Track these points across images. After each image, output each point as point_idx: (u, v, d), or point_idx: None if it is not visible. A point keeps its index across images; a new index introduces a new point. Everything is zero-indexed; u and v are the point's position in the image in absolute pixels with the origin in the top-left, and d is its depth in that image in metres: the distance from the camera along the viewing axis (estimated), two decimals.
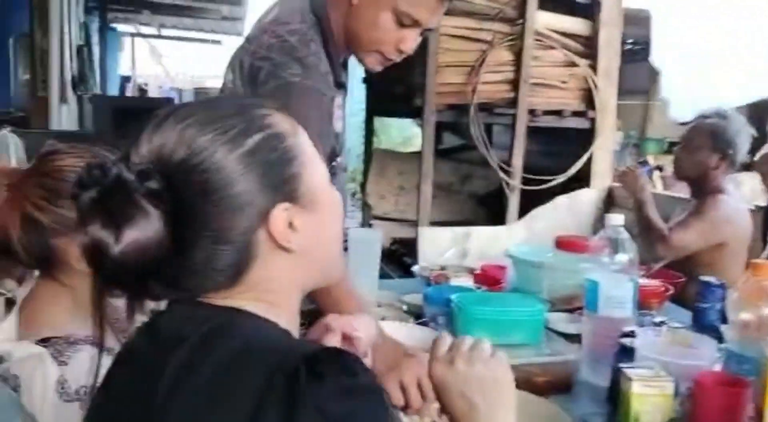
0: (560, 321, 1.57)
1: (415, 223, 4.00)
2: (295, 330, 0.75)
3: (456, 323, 1.42)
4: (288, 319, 0.74)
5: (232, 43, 12.85)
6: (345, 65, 1.56)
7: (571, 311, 1.64)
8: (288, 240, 0.70)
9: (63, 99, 4.70)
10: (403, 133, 7.53)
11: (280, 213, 0.69)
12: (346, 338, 0.90)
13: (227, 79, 1.49)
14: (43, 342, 1.05)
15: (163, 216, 0.64)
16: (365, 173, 4.95)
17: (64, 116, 4.66)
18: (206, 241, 0.67)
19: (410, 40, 1.43)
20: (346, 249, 2.47)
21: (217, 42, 11.53)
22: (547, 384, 1.28)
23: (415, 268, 2.06)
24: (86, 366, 1.03)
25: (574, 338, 1.47)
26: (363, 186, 5.10)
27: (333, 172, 1.54)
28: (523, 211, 3.64)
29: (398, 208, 5.02)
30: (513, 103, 3.49)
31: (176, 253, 0.66)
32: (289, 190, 0.70)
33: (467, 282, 1.68)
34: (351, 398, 0.61)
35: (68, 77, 4.82)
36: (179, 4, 8.78)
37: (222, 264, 0.68)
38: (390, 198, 4.92)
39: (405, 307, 1.70)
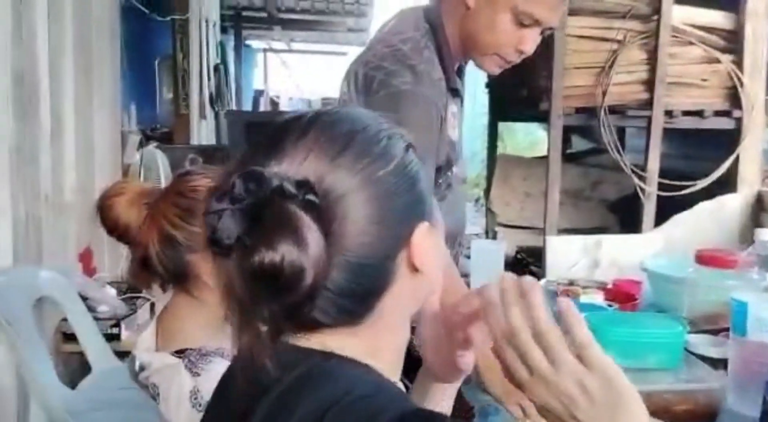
0: (702, 343, 1.45)
1: (541, 231, 3.87)
2: (396, 369, 0.70)
3: None
4: (390, 359, 0.68)
5: (356, 54, 13.16)
6: (460, 72, 1.55)
7: (715, 333, 1.51)
8: (422, 262, 0.65)
9: (202, 115, 5.02)
10: (529, 137, 7.34)
11: (421, 234, 0.65)
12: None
13: (342, 91, 1.50)
14: (179, 353, 1.10)
15: (321, 233, 0.57)
16: (489, 179, 4.87)
17: (203, 131, 4.97)
18: (353, 262, 0.61)
19: (530, 41, 1.39)
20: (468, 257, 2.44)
21: (343, 53, 11.86)
22: (687, 414, 1.18)
23: (541, 282, 1.98)
24: (218, 378, 1.08)
25: (719, 363, 1.35)
26: (487, 192, 5.03)
27: (449, 182, 1.51)
28: (659, 218, 3.42)
29: (524, 215, 4.89)
30: (648, 104, 3.29)
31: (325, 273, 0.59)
32: (424, 208, 0.67)
33: (598, 298, 1.59)
34: None
35: (206, 95, 5.14)
36: (308, 19, 9.12)
37: (360, 289, 0.62)
38: (515, 204, 4.81)
39: None
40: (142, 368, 1.19)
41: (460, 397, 1.70)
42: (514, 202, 4.75)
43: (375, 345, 0.66)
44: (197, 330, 1.11)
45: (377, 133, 0.65)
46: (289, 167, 0.60)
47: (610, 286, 1.84)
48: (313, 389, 0.60)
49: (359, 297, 0.63)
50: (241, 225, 0.56)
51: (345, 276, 0.60)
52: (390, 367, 0.68)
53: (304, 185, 0.58)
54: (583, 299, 1.60)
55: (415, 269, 0.65)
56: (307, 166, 0.60)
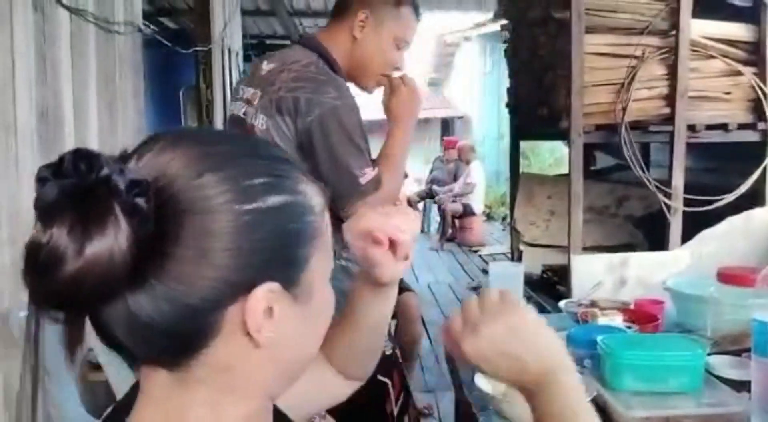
0: (725, 366, 1.41)
1: (567, 249, 3.83)
2: None
3: (603, 368, 1.32)
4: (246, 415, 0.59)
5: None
6: None
7: (739, 353, 1.47)
8: (258, 328, 0.55)
9: None
10: (554, 154, 7.29)
11: (265, 294, 0.55)
12: (391, 243, 0.80)
13: (260, 130, 1.58)
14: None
15: (134, 242, 0.50)
16: (512, 198, 4.85)
17: None
18: (168, 292, 0.52)
19: (402, 58, 1.73)
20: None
21: None
22: None
23: (561, 304, 1.96)
24: None
25: (742, 386, 1.31)
26: (511, 211, 5.00)
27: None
28: (686, 234, 3.36)
29: (549, 233, 4.84)
30: (670, 119, 3.26)
31: (129, 292, 0.52)
32: (289, 272, 0.57)
33: (617, 320, 1.56)
34: None
35: None
36: None
37: (175, 327, 0.53)
38: (540, 223, 4.77)
39: None
40: None
41: (465, 401, 1.70)
42: (539, 220, 4.71)
43: (231, 391, 0.58)
44: None
45: (262, 168, 0.57)
46: (141, 169, 0.53)
47: (631, 306, 1.81)
48: None
49: (168, 337, 0.54)
50: (52, 200, 0.49)
51: (154, 305, 0.52)
52: None
53: (137, 186, 0.50)
54: (602, 321, 1.57)
55: (248, 334, 0.55)
56: (159, 172, 0.53)
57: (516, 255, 4.74)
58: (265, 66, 1.67)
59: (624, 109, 3.25)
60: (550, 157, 7.25)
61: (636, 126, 3.29)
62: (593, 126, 3.33)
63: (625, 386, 1.28)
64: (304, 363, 0.64)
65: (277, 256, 0.56)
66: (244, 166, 0.56)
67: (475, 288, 6.26)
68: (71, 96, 2.51)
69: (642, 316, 1.71)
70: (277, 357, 0.59)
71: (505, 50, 4.45)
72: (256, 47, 9.03)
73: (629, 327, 1.54)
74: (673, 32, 3.21)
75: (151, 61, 3.75)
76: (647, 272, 3.24)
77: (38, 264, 0.49)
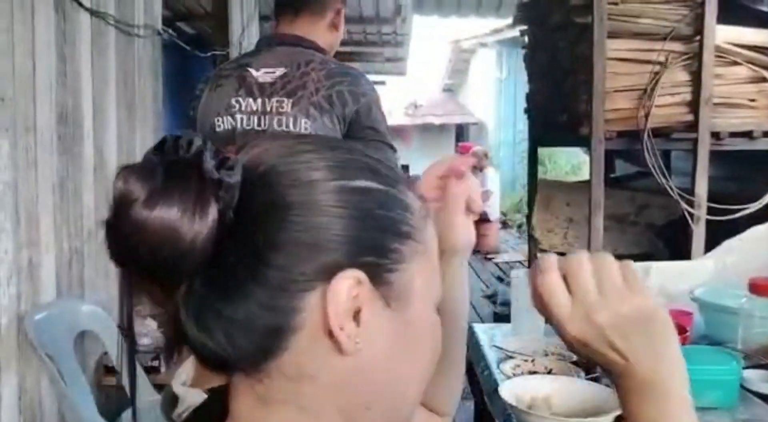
0: (760, 380, 1.36)
1: None
2: None
3: None
4: None
5: (396, 83, 13.30)
6: None
7: None
8: (342, 324, 0.48)
9: None
10: (571, 161, 7.24)
11: (348, 282, 0.48)
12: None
13: (313, 126, 1.69)
14: (211, 391, 1.08)
15: (218, 220, 0.47)
16: (530, 205, 4.80)
17: None
18: (248, 276, 0.48)
19: None
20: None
21: (382, 83, 11.97)
22: None
23: None
24: None
25: None
26: (528, 218, 4.94)
27: None
28: (709, 243, 3.30)
29: (567, 241, 4.79)
30: (693, 126, 3.21)
31: (208, 280, 0.49)
32: (377, 263, 0.50)
33: None
34: None
35: None
36: (346, 50, 9.23)
37: (252, 317, 0.48)
38: (558, 231, 4.72)
39: (575, 357, 1.57)
40: (176, 401, 1.17)
41: (484, 411, 1.67)
42: (557, 228, 4.66)
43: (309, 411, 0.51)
44: None
45: (362, 159, 0.54)
46: (240, 152, 0.52)
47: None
48: None
49: (250, 329, 0.48)
50: (151, 178, 0.47)
51: (236, 290, 0.48)
52: None
53: (225, 162, 0.48)
54: None
55: (331, 336, 0.48)
56: (255, 158, 0.51)
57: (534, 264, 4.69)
58: (262, 74, 1.71)
59: (647, 116, 3.20)
60: (567, 163, 7.19)
61: (658, 133, 3.24)
62: (615, 132, 3.28)
63: None
64: (401, 400, 0.54)
65: (362, 240, 0.50)
66: (341, 152, 0.54)
67: (489, 296, 6.21)
68: (90, 97, 2.51)
69: None
70: (365, 376, 0.51)
71: (525, 56, 4.41)
72: None
73: None
74: (697, 38, 3.16)
75: (169, 65, 3.75)
76: (670, 281, 3.18)
77: (118, 213, 0.47)
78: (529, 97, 4.41)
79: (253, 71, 1.71)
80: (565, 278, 0.60)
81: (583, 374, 1.45)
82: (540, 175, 5.01)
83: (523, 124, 4.76)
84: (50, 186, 2.21)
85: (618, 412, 1.21)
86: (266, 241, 0.48)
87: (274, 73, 1.70)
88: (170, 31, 3.57)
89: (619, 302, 0.59)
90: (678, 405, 0.62)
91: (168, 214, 0.46)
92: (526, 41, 4.40)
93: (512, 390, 1.28)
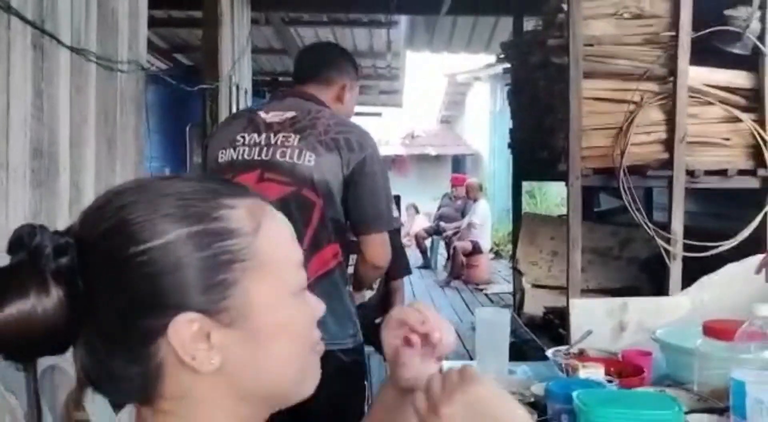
0: None
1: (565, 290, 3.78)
2: None
3: None
4: None
5: (393, 114, 13.41)
6: None
7: (722, 412, 1.42)
8: (192, 355, 0.59)
9: None
10: (562, 194, 7.27)
11: (183, 325, 0.58)
12: (425, 341, 0.80)
13: (306, 166, 1.79)
14: None
15: (64, 300, 0.58)
16: (515, 238, 4.82)
17: None
18: (101, 342, 0.60)
19: None
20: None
21: (378, 114, 12.08)
22: None
23: (548, 353, 1.92)
24: None
25: None
26: (514, 251, 4.96)
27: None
28: (691, 277, 3.31)
29: (551, 275, 4.80)
30: (668, 163, 3.24)
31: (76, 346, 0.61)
32: (208, 299, 0.59)
33: (599, 373, 1.53)
34: None
35: None
36: None
37: (121, 370, 0.60)
38: (542, 264, 4.74)
39: (533, 399, 1.58)
40: None
41: None
42: (541, 261, 4.68)
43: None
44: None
45: (170, 203, 0.61)
46: (74, 227, 0.63)
47: (617, 358, 1.77)
48: None
49: (114, 377, 0.61)
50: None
51: (87, 353, 0.60)
52: None
53: (61, 248, 0.59)
54: (583, 374, 1.53)
55: (188, 365, 0.59)
56: (81, 229, 0.61)
57: (519, 296, 4.69)
58: (271, 116, 1.86)
59: (622, 153, 3.24)
60: (557, 196, 7.22)
61: (635, 170, 3.28)
62: (591, 169, 3.32)
63: None
64: (277, 386, 0.65)
65: (186, 287, 0.59)
66: (146, 207, 0.60)
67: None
68: (68, 132, 2.54)
69: (628, 368, 1.67)
70: (235, 383, 0.62)
71: (508, 93, 4.48)
72: (269, 84, 9.17)
73: (610, 381, 1.50)
74: (671, 78, 3.22)
75: (158, 98, 3.81)
76: (647, 317, 3.19)
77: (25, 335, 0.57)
78: (513, 132, 4.47)
79: (262, 114, 1.86)
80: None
81: (536, 415, 1.47)
82: (530, 207, 5.06)
83: (507, 158, 4.87)
84: (22, 218, 2.23)
85: None
86: (106, 314, 0.59)
87: (283, 115, 1.84)
88: (163, 62, 3.62)
89: (452, 394, 0.69)
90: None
91: (16, 313, 0.56)
92: (509, 79, 4.48)
93: None
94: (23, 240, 0.59)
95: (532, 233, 4.69)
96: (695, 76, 3.20)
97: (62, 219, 2.52)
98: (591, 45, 3.21)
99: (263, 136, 1.83)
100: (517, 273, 4.80)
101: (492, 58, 8.45)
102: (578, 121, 3.20)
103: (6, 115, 2.12)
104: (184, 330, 0.58)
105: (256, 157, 1.81)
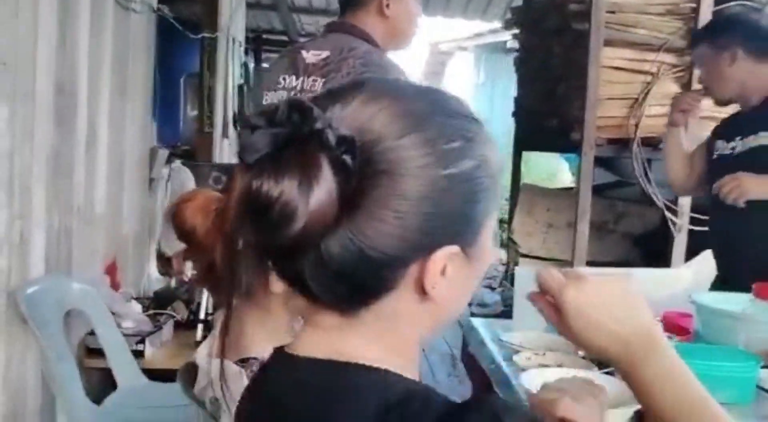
0: None
1: (564, 263, 3.82)
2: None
3: None
4: (412, 372, 0.62)
5: None
6: None
7: None
8: (434, 285, 0.58)
9: (225, 134, 5.01)
10: (548, 169, 7.32)
11: (445, 255, 0.58)
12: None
13: None
14: (242, 362, 1.07)
15: (338, 196, 0.54)
16: (511, 209, 4.83)
17: (225, 150, 4.96)
18: (358, 244, 0.55)
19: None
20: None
21: None
22: None
23: None
24: None
25: None
26: (509, 222, 4.98)
27: None
28: (688, 253, 3.37)
29: (546, 246, 4.83)
30: None
31: (323, 239, 0.56)
32: (469, 235, 0.60)
33: None
34: None
35: (230, 114, 5.14)
36: None
37: (358, 276, 0.57)
38: (538, 235, 4.76)
39: (582, 353, 1.58)
40: (196, 369, 1.15)
41: (479, 370, 1.68)
42: (537, 233, 4.70)
43: (396, 350, 0.61)
44: (261, 338, 1.07)
45: (457, 130, 0.59)
46: (345, 119, 0.56)
47: (659, 318, 1.79)
48: (342, 406, 0.57)
49: (352, 286, 0.58)
50: (266, 148, 0.53)
51: (343, 254, 0.55)
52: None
53: (346, 142, 0.53)
54: None
55: (423, 291, 0.58)
56: (363, 126, 0.56)
57: (512, 267, 4.72)
58: (311, 55, 1.78)
59: (637, 125, 3.25)
60: (544, 169, 7.27)
61: (647, 142, 3.29)
62: (604, 140, 3.33)
63: None
64: (453, 317, 0.66)
65: (461, 220, 0.59)
66: (442, 126, 0.58)
67: None
68: (86, 70, 2.45)
69: (674, 328, 1.69)
70: (439, 311, 0.62)
71: (515, 59, 4.44)
72: (253, 41, 8.96)
73: (669, 337, 1.51)
74: (689, 51, 3.22)
75: (156, 46, 3.68)
76: (651, 288, 3.25)
77: (269, 219, 0.53)
78: (517, 101, 4.44)
79: (304, 53, 1.80)
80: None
81: (596, 368, 1.47)
82: (522, 181, 5.05)
83: (498, 130, 4.83)
84: (44, 158, 2.14)
85: (635, 407, 1.23)
86: (372, 221, 0.55)
87: (320, 55, 1.76)
88: (166, 10, 3.50)
89: (601, 275, 0.70)
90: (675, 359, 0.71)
91: (317, 212, 0.53)
92: (517, 45, 4.44)
93: (533, 381, 1.28)
94: (301, 116, 0.53)
95: (530, 204, 4.70)
96: None
97: (79, 160, 2.44)
98: (613, 12, 3.19)
99: (300, 79, 1.78)
100: (511, 243, 4.83)
101: (482, 27, 8.40)
102: (596, 90, 3.19)
103: (34, 46, 2.03)
104: (442, 261, 0.58)
105: None
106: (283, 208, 0.52)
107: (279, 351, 0.65)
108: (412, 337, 0.63)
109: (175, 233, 1.11)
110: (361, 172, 0.54)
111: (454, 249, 0.58)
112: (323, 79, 1.72)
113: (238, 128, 5.33)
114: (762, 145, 2.22)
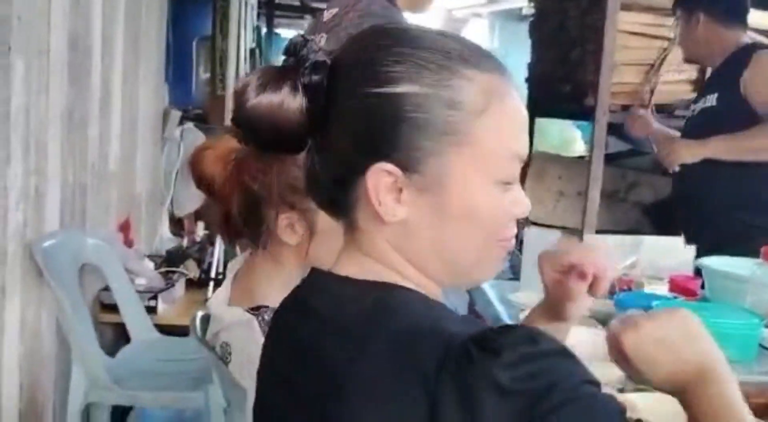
0: None
1: (573, 231, 3.80)
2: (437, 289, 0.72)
3: None
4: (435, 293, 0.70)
5: None
6: None
7: None
8: (381, 202, 0.65)
9: None
10: (562, 137, 7.25)
11: (376, 171, 0.64)
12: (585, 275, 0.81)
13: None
14: (254, 310, 1.09)
15: (305, 107, 0.66)
16: (522, 176, 4.82)
17: None
18: (320, 156, 0.68)
19: None
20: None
21: None
22: (764, 408, 1.14)
23: None
24: None
25: None
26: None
27: None
28: None
29: (555, 214, 4.83)
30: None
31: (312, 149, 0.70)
32: (409, 158, 0.64)
33: (662, 290, 1.55)
34: (531, 362, 0.56)
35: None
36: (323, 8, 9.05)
37: (326, 188, 0.69)
38: (548, 203, 4.75)
39: (588, 313, 1.60)
40: (208, 320, 1.17)
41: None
42: (548, 200, 4.69)
43: (415, 277, 0.68)
44: (273, 288, 1.09)
45: (409, 57, 0.64)
46: (328, 50, 0.69)
47: (666, 281, 1.80)
48: (382, 324, 0.61)
49: (327, 196, 0.71)
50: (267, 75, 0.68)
51: (313, 164, 0.69)
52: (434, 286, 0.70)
53: (320, 66, 0.67)
54: (647, 289, 1.56)
55: (372, 205, 0.65)
56: (338, 55, 0.69)
57: (521, 234, 4.73)
58: (327, 14, 1.83)
59: (651, 91, 3.22)
60: (557, 137, 7.19)
61: (661, 109, 3.26)
62: (618, 106, 3.30)
63: None
64: (449, 262, 0.68)
65: (396, 140, 0.64)
66: (393, 53, 0.64)
67: None
68: (100, 26, 2.45)
69: (681, 290, 1.71)
70: (411, 242, 0.67)
71: (530, 23, 4.39)
72: (266, 5, 8.88)
73: (675, 298, 1.53)
74: None
75: (169, 8, 3.66)
76: (660, 255, 3.24)
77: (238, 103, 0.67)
78: (531, 67, 4.40)
79: (326, 12, 1.86)
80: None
81: (600, 327, 1.49)
82: (534, 148, 5.01)
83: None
84: (59, 114, 2.16)
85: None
86: (329, 136, 0.68)
87: (332, 12, 1.81)
88: None
89: (657, 314, 0.71)
90: (735, 387, 0.70)
91: (267, 103, 0.66)
92: (531, 9, 4.38)
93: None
94: (296, 48, 0.67)
95: (540, 171, 4.67)
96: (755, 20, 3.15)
97: (93, 117, 2.45)
98: None
99: (316, 37, 1.80)
100: None
101: None
102: (611, 55, 3.14)
103: (48, 4, 2.02)
104: (380, 177, 0.64)
105: None
106: (281, 106, 0.66)
107: (316, 272, 0.73)
108: (413, 262, 0.68)
109: (194, 180, 1.12)
110: (329, 91, 0.66)
111: (388, 166, 0.64)
112: (326, 35, 1.76)
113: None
114: (707, 106, 2.34)
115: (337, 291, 0.67)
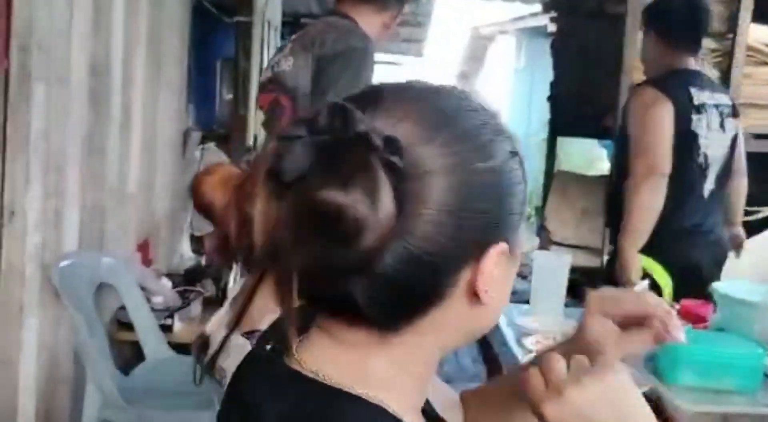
0: None
1: (597, 251, 3.77)
2: (418, 398, 0.62)
3: (659, 362, 1.29)
4: (413, 387, 0.59)
5: (412, 64, 13.22)
6: None
7: None
8: (487, 288, 0.55)
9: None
10: (586, 155, 7.20)
11: (497, 253, 0.55)
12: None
13: (286, 72, 1.85)
14: (247, 334, 1.10)
15: (392, 201, 0.50)
16: (545, 195, 4.79)
17: (261, 134, 5.03)
18: (412, 252, 0.51)
19: None
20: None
21: (397, 64, 11.88)
22: None
23: None
24: None
25: None
26: (541, 209, 4.93)
27: None
28: None
29: (579, 234, 4.78)
30: None
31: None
32: (513, 230, 0.57)
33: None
34: None
35: None
36: None
37: (409, 289, 0.53)
38: (571, 223, 4.71)
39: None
40: (207, 342, 1.19)
41: (494, 360, 1.70)
42: (571, 220, 4.65)
43: (404, 371, 0.58)
44: (269, 312, 1.10)
45: (484, 124, 0.56)
46: (382, 122, 0.52)
47: (677, 307, 1.77)
48: None
49: (404, 298, 0.54)
50: (312, 159, 0.49)
51: (398, 265, 0.51)
52: (411, 398, 0.59)
53: (392, 143, 0.50)
54: None
55: (475, 295, 0.55)
56: (400, 128, 0.52)
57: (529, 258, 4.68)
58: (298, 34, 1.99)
59: None
60: (581, 156, 7.15)
61: None
62: None
63: (681, 380, 1.25)
64: (486, 327, 0.62)
65: (502, 214, 0.56)
66: (467, 121, 0.56)
67: None
68: (121, 51, 2.51)
69: (691, 317, 1.68)
70: (483, 316, 0.59)
71: (552, 42, 4.38)
72: (291, 25, 9.01)
73: (683, 325, 1.50)
74: (730, 36, 3.14)
75: (193, 29, 3.73)
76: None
77: (340, 232, 0.49)
78: (553, 86, 4.39)
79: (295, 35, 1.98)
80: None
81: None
82: (556, 167, 4.98)
83: (537, 117, 4.77)
84: (78, 138, 2.22)
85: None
86: (425, 225, 0.52)
87: (303, 32, 1.94)
88: None
89: (583, 379, 0.59)
90: None
91: (360, 210, 0.48)
92: (554, 28, 4.37)
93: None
94: (336, 124, 0.50)
95: (563, 191, 4.65)
96: (755, 34, 3.12)
97: (113, 141, 2.51)
98: None
99: (282, 49, 1.97)
100: (543, 230, 4.78)
101: (523, 10, 8.27)
102: (630, 75, 3.13)
103: (69, 28, 2.09)
104: (493, 263, 0.55)
105: (273, 68, 1.96)
106: (354, 221, 0.48)
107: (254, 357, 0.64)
108: (441, 351, 0.60)
109: (194, 204, 1.15)
110: (407, 175, 0.51)
111: (504, 246, 0.55)
112: (291, 44, 1.89)
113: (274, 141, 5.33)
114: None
115: (275, 384, 0.59)
